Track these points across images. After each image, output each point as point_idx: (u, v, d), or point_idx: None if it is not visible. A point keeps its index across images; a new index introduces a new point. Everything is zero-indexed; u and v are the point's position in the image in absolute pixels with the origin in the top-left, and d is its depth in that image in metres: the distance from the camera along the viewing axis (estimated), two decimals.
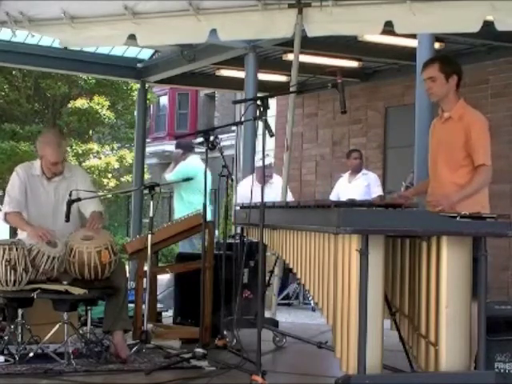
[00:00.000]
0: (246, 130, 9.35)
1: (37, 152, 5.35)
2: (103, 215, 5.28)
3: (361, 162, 8.78)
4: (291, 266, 4.26)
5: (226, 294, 5.24)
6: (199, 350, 4.78)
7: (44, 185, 5.26)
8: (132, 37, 6.53)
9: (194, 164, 7.98)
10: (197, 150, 14.77)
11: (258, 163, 7.69)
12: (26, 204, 5.21)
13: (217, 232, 7.96)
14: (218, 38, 6.46)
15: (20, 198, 5.18)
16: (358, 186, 8.56)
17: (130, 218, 14.18)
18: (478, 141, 4.25)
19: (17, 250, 4.68)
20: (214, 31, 6.37)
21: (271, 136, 4.20)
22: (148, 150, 15.35)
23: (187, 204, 7.68)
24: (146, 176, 14.38)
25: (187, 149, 8.20)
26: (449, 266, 3.63)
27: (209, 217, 7.19)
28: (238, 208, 5.56)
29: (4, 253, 4.65)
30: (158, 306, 7.16)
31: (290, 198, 7.61)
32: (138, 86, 12.07)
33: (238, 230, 5.81)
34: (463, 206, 4.02)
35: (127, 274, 5.20)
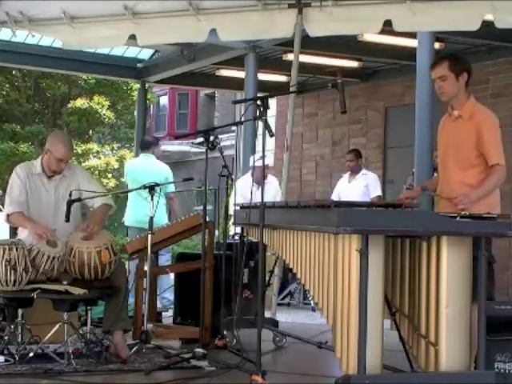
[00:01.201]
0: (246, 130, 9.36)
1: (42, 149, 5.35)
2: (112, 206, 5.29)
3: (356, 164, 8.73)
4: (291, 266, 4.26)
5: (226, 294, 5.24)
6: (199, 350, 4.78)
7: (44, 183, 5.26)
8: (132, 37, 6.53)
9: (130, 163, 8.09)
10: (196, 149, 14.56)
11: (257, 163, 7.68)
12: (26, 204, 5.20)
13: (217, 232, 7.95)
14: (217, 38, 6.46)
15: (21, 199, 5.17)
16: (357, 186, 8.56)
17: None
18: (490, 140, 4.21)
19: (17, 249, 4.68)
20: (213, 31, 6.37)
21: (271, 136, 4.20)
22: None
23: (131, 203, 7.70)
24: None
25: (140, 146, 8.19)
26: (449, 266, 3.63)
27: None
28: (237, 208, 5.55)
29: (4, 253, 4.65)
30: (162, 300, 7.18)
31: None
32: (137, 85, 12.08)
33: (238, 230, 5.80)
34: (475, 207, 4.00)
35: (127, 274, 5.19)
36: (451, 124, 4.42)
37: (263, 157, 4.19)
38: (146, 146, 7.89)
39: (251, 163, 7.73)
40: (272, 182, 7.78)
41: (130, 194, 7.77)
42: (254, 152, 9.08)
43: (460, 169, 4.31)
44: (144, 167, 7.69)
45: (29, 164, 5.38)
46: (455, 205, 4.07)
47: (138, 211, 7.34)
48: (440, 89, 4.37)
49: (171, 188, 7.84)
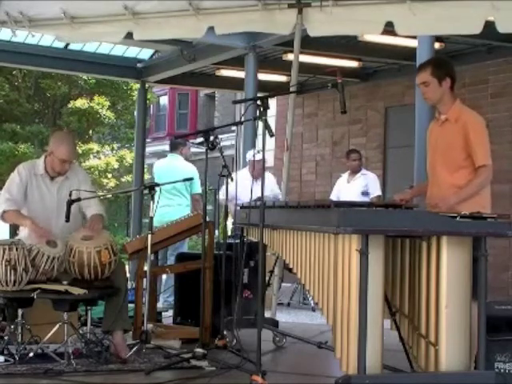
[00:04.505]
0: (246, 130, 9.36)
1: (42, 149, 5.34)
2: (104, 217, 5.27)
3: (359, 163, 8.76)
4: (291, 266, 4.26)
5: (226, 294, 5.24)
6: (199, 350, 4.78)
7: (47, 184, 5.25)
8: (130, 35, 6.51)
9: (157, 163, 8.23)
10: (196, 149, 14.60)
11: (251, 157, 7.71)
12: (23, 203, 5.18)
13: (217, 232, 7.97)
14: (216, 36, 6.46)
15: (17, 198, 5.14)
16: (356, 186, 8.56)
17: (130, 218, 14.19)
18: (477, 141, 4.23)
19: (17, 249, 4.68)
20: (212, 30, 6.37)
21: (271, 136, 4.20)
22: (148, 150, 15.34)
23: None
24: (146, 176, 14.39)
25: (169, 147, 8.26)
26: (449, 265, 3.63)
27: None
28: (232, 203, 5.54)
29: (4, 253, 4.65)
30: (160, 303, 7.19)
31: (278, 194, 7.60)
32: (137, 86, 12.08)
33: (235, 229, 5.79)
34: (462, 207, 4.01)
35: (127, 274, 5.19)
36: (438, 128, 4.45)
37: (263, 152, 4.17)
38: (174, 146, 8.03)
39: (248, 158, 7.74)
40: (268, 177, 7.78)
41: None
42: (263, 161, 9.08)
43: (448, 171, 4.32)
44: (170, 168, 7.79)
45: (32, 164, 5.35)
46: (433, 208, 4.07)
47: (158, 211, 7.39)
48: (424, 94, 4.41)
49: (197, 189, 7.84)
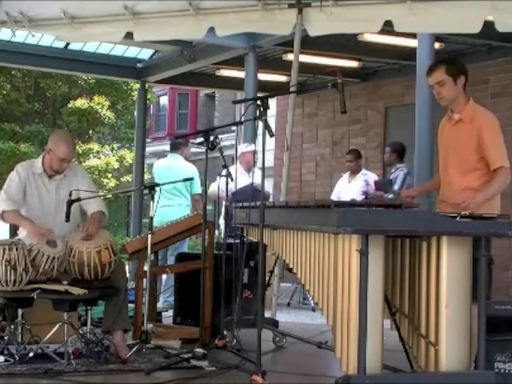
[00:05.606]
0: (246, 130, 9.35)
1: (42, 149, 5.32)
2: (105, 214, 5.27)
3: (356, 164, 8.73)
4: (291, 266, 4.26)
5: (226, 294, 5.24)
6: (199, 350, 4.78)
7: (45, 183, 5.24)
8: (130, 36, 6.51)
9: (157, 163, 8.26)
10: (196, 149, 14.57)
11: (243, 149, 7.69)
12: (23, 203, 5.18)
13: (217, 232, 7.98)
14: (216, 37, 6.47)
15: (17, 198, 5.14)
16: (356, 186, 8.56)
17: (130, 218, 14.18)
18: (491, 143, 4.18)
19: (17, 249, 4.68)
20: (213, 31, 6.37)
21: (271, 136, 4.20)
22: (148, 149, 15.34)
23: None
24: (146, 176, 14.39)
25: (170, 147, 8.27)
26: (449, 266, 3.63)
27: None
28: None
29: (4, 253, 4.65)
30: (160, 303, 7.19)
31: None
32: (137, 86, 12.08)
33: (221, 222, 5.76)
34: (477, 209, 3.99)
35: (127, 274, 5.19)
36: (451, 128, 4.39)
37: (263, 150, 4.17)
38: (175, 146, 8.03)
39: (240, 151, 7.71)
40: (256, 171, 7.78)
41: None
42: (254, 152, 9.08)
43: (460, 173, 4.29)
44: (170, 168, 7.79)
45: (30, 163, 5.35)
46: (463, 210, 4.03)
47: (158, 211, 7.40)
48: (439, 94, 4.34)
49: (197, 189, 7.83)
